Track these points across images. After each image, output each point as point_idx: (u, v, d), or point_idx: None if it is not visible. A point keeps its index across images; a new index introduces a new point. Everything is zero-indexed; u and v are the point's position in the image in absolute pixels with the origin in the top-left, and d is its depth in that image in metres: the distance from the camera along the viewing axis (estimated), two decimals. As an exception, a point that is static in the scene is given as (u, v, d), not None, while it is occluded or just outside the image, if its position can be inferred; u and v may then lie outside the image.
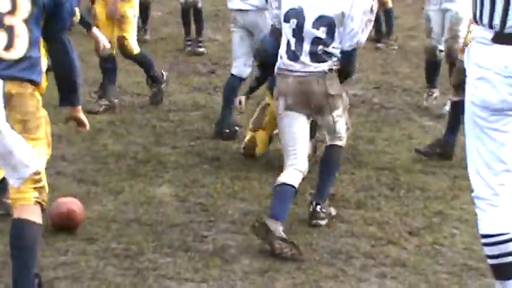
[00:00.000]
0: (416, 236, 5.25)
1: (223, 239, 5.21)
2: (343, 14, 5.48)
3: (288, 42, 5.62)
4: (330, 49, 5.52)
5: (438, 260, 4.95)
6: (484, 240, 4.00)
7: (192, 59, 10.74)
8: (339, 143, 5.74)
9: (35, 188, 4.22)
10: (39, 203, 4.23)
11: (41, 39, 4.33)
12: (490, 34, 3.79)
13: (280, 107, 5.68)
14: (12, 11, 4.14)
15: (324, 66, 5.43)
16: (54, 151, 4.61)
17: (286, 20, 5.60)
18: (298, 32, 5.58)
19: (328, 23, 5.53)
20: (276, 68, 5.72)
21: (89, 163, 6.43)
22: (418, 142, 7.25)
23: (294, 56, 5.61)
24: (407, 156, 6.90)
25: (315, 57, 5.52)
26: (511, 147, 3.90)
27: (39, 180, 4.23)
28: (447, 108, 7.71)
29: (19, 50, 4.15)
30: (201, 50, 11.06)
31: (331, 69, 5.38)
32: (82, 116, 4.62)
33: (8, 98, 4.11)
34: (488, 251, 3.97)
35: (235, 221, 5.49)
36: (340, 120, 5.57)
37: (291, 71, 5.58)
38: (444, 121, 7.52)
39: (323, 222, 5.52)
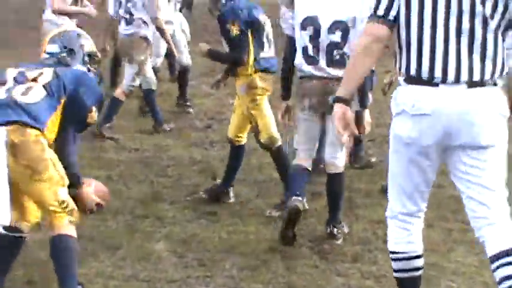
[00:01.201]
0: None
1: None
2: (355, 18, 5.85)
3: (306, 49, 6.00)
4: (345, 50, 5.83)
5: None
6: (392, 256, 4.42)
7: (188, 114, 10.74)
8: (339, 169, 6.17)
9: (66, 212, 4.80)
10: (72, 221, 4.85)
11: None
12: (403, 76, 4.22)
13: (302, 107, 6.18)
14: (35, 79, 4.73)
15: (340, 73, 5.48)
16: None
17: (303, 28, 5.98)
18: (314, 38, 5.93)
19: (343, 27, 5.88)
20: (298, 73, 6.21)
21: (87, 219, 6.40)
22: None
23: (312, 61, 6.02)
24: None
25: (332, 61, 5.91)
26: (427, 177, 4.30)
27: (67, 206, 4.81)
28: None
29: (32, 98, 4.67)
30: (190, 110, 10.95)
31: None
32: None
33: (12, 146, 4.55)
34: (394, 265, 4.42)
35: (233, 276, 5.46)
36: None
37: (311, 75, 5.99)
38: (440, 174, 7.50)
39: (340, 242, 6.05)
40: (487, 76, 4.09)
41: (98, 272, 5.45)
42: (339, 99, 4.35)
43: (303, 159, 6.33)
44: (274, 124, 7.10)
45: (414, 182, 4.32)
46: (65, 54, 5.05)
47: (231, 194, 7.16)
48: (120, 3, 9.68)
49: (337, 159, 6.18)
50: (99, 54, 5.35)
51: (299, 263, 5.70)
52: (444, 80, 4.09)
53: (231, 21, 6.99)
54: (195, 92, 11.84)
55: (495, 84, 4.15)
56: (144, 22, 9.40)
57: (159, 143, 9.16)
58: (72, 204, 4.89)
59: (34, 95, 4.76)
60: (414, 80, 4.18)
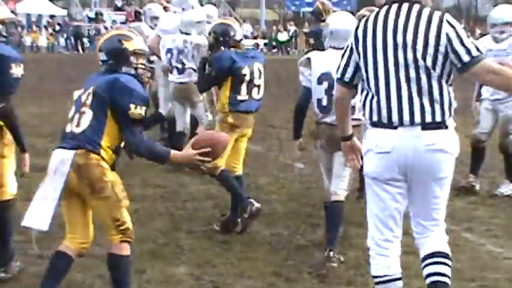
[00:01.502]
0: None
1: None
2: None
3: (321, 100, 6.19)
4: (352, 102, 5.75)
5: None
6: (374, 280, 4.51)
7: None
8: (339, 198, 6.26)
9: (119, 231, 4.82)
10: (125, 240, 4.84)
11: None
12: (368, 121, 4.46)
13: (317, 146, 6.43)
14: (85, 103, 4.82)
15: None
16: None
17: (319, 83, 6.15)
18: (329, 91, 6.02)
19: None
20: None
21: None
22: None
23: (325, 110, 6.17)
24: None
25: None
26: (397, 205, 4.44)
27: (121, 225, 4.82)
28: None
29: (84, 126, 4.76)
30: None
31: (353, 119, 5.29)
32: None
33: (77, 167, 4.67)
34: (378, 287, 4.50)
35: (242, 296, 5.46)
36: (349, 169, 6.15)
37: (325, 122, 6.14)
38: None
39: (335, 265, 5.96)
40: (438, 118, 4.28)
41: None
42: (343, 139, 4.86)
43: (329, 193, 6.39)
44: (225, 156, 7.00)
45: (387, 210, 4.45)
46: (112, 61, 4.97)
47: (239, 225, 7.12)
48: (172, 54, 9.73)
49: (340, 190, 6.25)
50: (146, 48, 5.23)
51: (300, 285, 5.69)
52: (401, 123, 4.28)
53: (213, 66, 7.23)
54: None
55: (447, 127, 4.32)
56: (194, 70, 9.43)
57: (179, 180, 9.19)
58: (127, 224, 4.89)
59: (85, 121, 4.79)
60: (377, 124, 4.39)
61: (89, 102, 4.81)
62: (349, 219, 7.39)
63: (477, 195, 8.56)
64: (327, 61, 6.16)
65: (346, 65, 4.55)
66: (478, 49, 4.25)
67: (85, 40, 48.89)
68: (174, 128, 10.32)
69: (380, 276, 4.45)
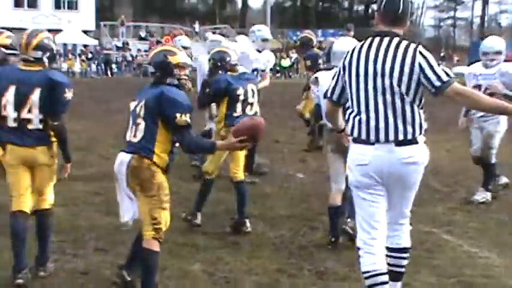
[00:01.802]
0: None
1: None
2: None
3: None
4: None
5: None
6: (364, 275, 4.55)
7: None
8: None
9: (153, 228, 4.99)
10: (156, 238, 5.00)
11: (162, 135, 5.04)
12: (350, 135, 4.63)
13: (328, 150, 6.69)
14: (139, 115, 5.03)
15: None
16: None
17: (325, 97, 6.02)
18: None
19: None
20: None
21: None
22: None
23: None
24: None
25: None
26: (379, 207, 4.56)
27: (157, 224, 5.00)
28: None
29: (139, 136, 5.00)
30: None
31: None
32: None
33: (132, 168, 4.95)
34: (367, 282, 4.51)
35: (250, 290, 5.45)
36: None
37: (332, 130, 6.04)
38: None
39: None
40: (409, 136, 4.42)
41: None
42: (338, 132, 5.46)
43: (334, 195, 6.63)
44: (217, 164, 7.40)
45: (370, 213, 4.57)
46: (158, 73, 5.12)
47: (248, 225, 7.14)
48: None
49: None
50: (188, 61, 5.36)
51: (301, 281, 5.69)
52: (377, 140, 4.44)
53: (211, 87, 7.43)
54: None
55: (417, 143, 4.46)
56: None
57: (193, 187, 9.17)
58: (162, 225, 5.04)
59: (140, 132, 5.01)
60: (357, 139, 4.55)
61: (142, 114, 5.01)
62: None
63: (456, 202, 8.56)
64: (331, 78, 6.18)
65: (335, 86, 4.75)
66: (447, 75, 4.38)
67: (113, 66, 49.04)
68: None
69: (368, 272, 4.51)
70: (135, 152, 4.99)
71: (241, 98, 7.28)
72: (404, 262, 4.78)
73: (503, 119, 8.35)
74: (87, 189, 8.67)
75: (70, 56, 47.94)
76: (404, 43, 4.43)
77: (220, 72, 7.54)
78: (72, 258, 6.15)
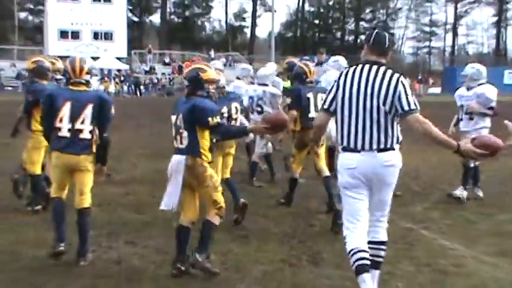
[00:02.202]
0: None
1: (250, 289, 5.17)
2: None
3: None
4: None
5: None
6: (349, 254, 4.68)
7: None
8: None
9: (215, 208, 5.45)
10: (218, 214, 5.48)
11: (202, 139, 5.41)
12: (341, 146, 4.76)
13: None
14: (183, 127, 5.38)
15: None
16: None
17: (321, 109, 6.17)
18: None
19: None
20: None
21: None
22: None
23: None
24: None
25: None
26: (362, 204, 4.74)
27: (217, 204, 5.44)
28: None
29: (185, 143, 5.35)
30: None
31: None
32: None
33: (188, 167, 5.32)
34: (351, 259, 4.65)
35: (257, 277, 5.42)
36: None
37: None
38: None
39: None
40: (388, 145, 4.64)
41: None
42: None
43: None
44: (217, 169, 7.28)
45: (356, 208, 4.74)
46: (191, 86, 5.45)
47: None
48: (253, 100, 9.73)
49: None
50: (217, 77, 5.75)
51: (300, 270, 5.66)
52: (363, 148, 4.64)
53: None
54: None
55: (393, 149, 4.66)
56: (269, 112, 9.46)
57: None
58: (221, 204, 5.48)
59: (185, 139, 5.35)
60: (346, 148, 4.72)
61: (182, 125, 5.34)
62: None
63: (432, 203, 8.53)
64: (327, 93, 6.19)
65: (332, 100, 4.82)
66: (415, 104, 4.59)
67: (142, 87, 49.23)
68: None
69: (353, 249, 4.65)
70: (187, 153, 5.33)
71: (225, 115, 7.18)
72: (383, 253, 4.88)
73: (484, 132, 8.30)
74: (119, 191, 8.67)
75: (106, 78, 48.15)
76: (389, 72, 4.63)
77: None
78: (107, 250, 6.15)
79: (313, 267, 5.72)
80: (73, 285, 5.13)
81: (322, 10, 76.53)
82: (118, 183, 9.33)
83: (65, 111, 5.69)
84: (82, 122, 5.71)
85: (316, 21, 73.71)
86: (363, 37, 77.88)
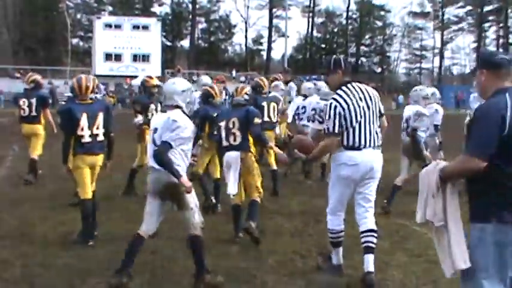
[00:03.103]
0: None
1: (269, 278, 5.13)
2: None
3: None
4: None
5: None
6: (329, 231, 5.08)
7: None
8: None
9: (258, 192, 6.28)
10: (259, 196, 6.24)
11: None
12: (344, 146, 4.87)
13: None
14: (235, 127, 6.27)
15: None
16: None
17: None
18: None
19: None
20: None
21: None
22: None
23: None
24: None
25: None
26: (351, 194, 4.97)
27: (258, 188, 6.27)
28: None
29: (238, 141, 6.23)
30: None
31: None
32: None
33: (241, 159, 6.15)
34: (330, 236, 5.09)
35: (272, 266, 5.36)
36: None
37: None
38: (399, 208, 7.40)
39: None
40: (378, 144, 4.93)
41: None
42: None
43: None
44: (202, 167, 7.69)
45: (346, 196, 5.00)
46: (244, 103, 6.52)
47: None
48: (316, 111, 9.72)
49: None
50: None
51: (310, 260, 5.62)
52: (364, 146, 4.84)
53: (199, 114, 7.45)
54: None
55: (380, 148, 4.96)
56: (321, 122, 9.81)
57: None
58: (260, 189, 6.26)
59: (238, 137, 6.21)
60: (351, 147, 4.83)
61: (236, 126, 6.21)
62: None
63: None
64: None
65: (338, 125, 4.83)
66: (382, 110, 5.06)
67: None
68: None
69: (333, 229, 5.06)
70: (240, 149, 6.13)
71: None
72: (375, 240, 4.96)
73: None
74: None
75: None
76: (367, 86, 5.01)
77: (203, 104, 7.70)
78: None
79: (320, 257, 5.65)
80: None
81: (328, 36, 76.34)
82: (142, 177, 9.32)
83: (83, 121, 5.99)
84: (97, 128, 6.07)
85: (323, 45, 73.47)
86: (363, 59, 78.06)
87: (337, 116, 4.76)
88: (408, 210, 7.91)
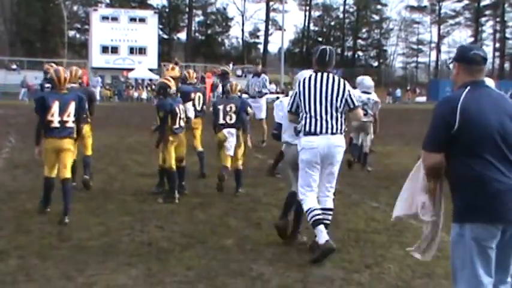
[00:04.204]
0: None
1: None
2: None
3: None
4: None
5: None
6: (308, 211, 5.33)
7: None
8: None
9: (241, 161, 7.45)
10: (242, 165, 7.41)
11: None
12: (303, 131, 5.35)
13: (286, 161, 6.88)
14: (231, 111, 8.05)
15: None
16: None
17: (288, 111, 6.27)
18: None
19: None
20: None
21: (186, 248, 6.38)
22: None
23: None
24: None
25: None
26: (317, 175, 5.37)
27: (242, 159, 7.49)
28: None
29: (233, 120, 8.18)
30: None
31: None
32: None
33: (236, 136, 8.02)
34: (309, 215, 5.32)
35: (268, 259, 5.38)
36: None
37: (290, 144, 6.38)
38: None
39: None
40: (338, 131, 5.31)
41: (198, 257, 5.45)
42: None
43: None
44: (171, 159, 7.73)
45: (311, 177, 5.35)
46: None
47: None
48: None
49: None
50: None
51: (306, 253, 5.59)
52: (321, 132, 5.27)
53: (160, 109, 7.71)
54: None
55: (342, 133, 5.36)
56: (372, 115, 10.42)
57: (227, 185, 9.11)
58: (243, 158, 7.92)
59: (234, 118, 8.06)
60: (309, 133, 5.29)
61: (233, 110, 8.13)
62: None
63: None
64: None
65: (293, 103, 5.48)
66: (356, 101, 5.49)
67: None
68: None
69: (310, 208, 5.33)
70: (235, 127, 7.99)
71: (180, 112, 7.75)
72: (330, 217, 5.46)
73: None
74: (150, 183, 8.64)
75: (140, 87, 48.27)
76: (336, 77, 5.41)
77: (162, 97, 7.82)
78: (140, 233, 6.13)
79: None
80: (111, 262, 5.13)
81: (324, 29, 76.34)
82: (149, 175, 9.32)
83: (55, 108, 6.50)
84: (68, 115, 6.56)
85: (320, 39, 73.40)
86: (360, 53, 78.04)
87: (293, 97, 5.49)
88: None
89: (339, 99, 5.31)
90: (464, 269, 3.13)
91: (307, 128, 5.30)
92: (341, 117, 5.35)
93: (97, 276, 4.77)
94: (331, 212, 5.45)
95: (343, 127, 5.38)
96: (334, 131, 5.28)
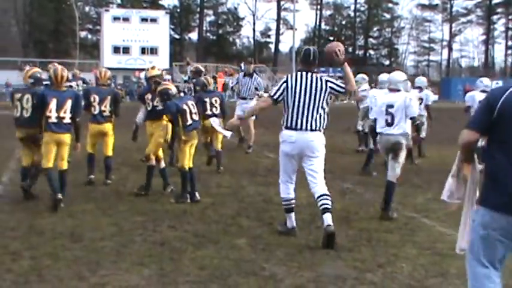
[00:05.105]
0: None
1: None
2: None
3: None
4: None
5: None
6: (282, 200, 6.01)
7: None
8: (393, 179, 7.10)
9: (221, 144, 7.81)
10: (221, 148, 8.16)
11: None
12: (284, 126, 5.79)
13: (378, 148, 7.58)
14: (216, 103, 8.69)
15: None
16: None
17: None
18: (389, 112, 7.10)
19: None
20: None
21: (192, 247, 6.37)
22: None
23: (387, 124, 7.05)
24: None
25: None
26: (295, 167, 5.89)
27: (222, 142, 7.79)
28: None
29: (218, 111, 8.98)
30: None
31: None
32: None
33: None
34: (284, 204, 6.00)
35: (280, 258, 5.36)
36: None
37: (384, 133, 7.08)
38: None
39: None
40: (317, 128, 5.71)
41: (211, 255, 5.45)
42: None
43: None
44: (184, 159, 7.72)
45: (291, 169, 5.90)
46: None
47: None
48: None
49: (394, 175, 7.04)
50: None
51: (317, 252, 5.58)
52: (301, 128, 5.69)
53: (167, 113, 7.85)
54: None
55: (320, 131, 5.73)
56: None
57: (239, 183, 9.07)
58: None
59: (218, 110, 9.26)
60: (289, 127, 5.74)
61: (217, 102, 9.63)
62: (349, 209, 7.30)
63: (432, 195, 8.36)
64: (387, 96, 7.07)
65: (277, 91, 5.82)
66: (341, 82, 5.80)
67: (182, 94, 49.32)
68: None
69: (285, 197, 5.97)
70: (219, 116, 8.91)
71: (190, 111, 7.70)
72: (329, 201, 5.72)
73: None
74: (162, 183, 8.64)
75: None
76: (318, 76, 5.72)
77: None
78: (152, 233, 6.14)
79: (329, 250, 5.63)
80: (123, 263, 5.13)
81: (336, 28, 76.03)
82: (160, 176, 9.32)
83: (52, 105, 7.09)
84: (64, 112, 7.13)
85: (331, 38, 73.08)
86: (371, 52, 77.66)
87: (281, 87, 5.77)
88: (417, 202, 7.91)
89: (322, 96, 5.70)
90: (470, 252, 3.33)
91: (288, 123, 5.73)
92: (323, 113, 5.73)
93: (110, 276, 4.78)
94: (327, 197, 5.72)
95: (324, 124, 5.74)
96: (314, 127, 5.68)
